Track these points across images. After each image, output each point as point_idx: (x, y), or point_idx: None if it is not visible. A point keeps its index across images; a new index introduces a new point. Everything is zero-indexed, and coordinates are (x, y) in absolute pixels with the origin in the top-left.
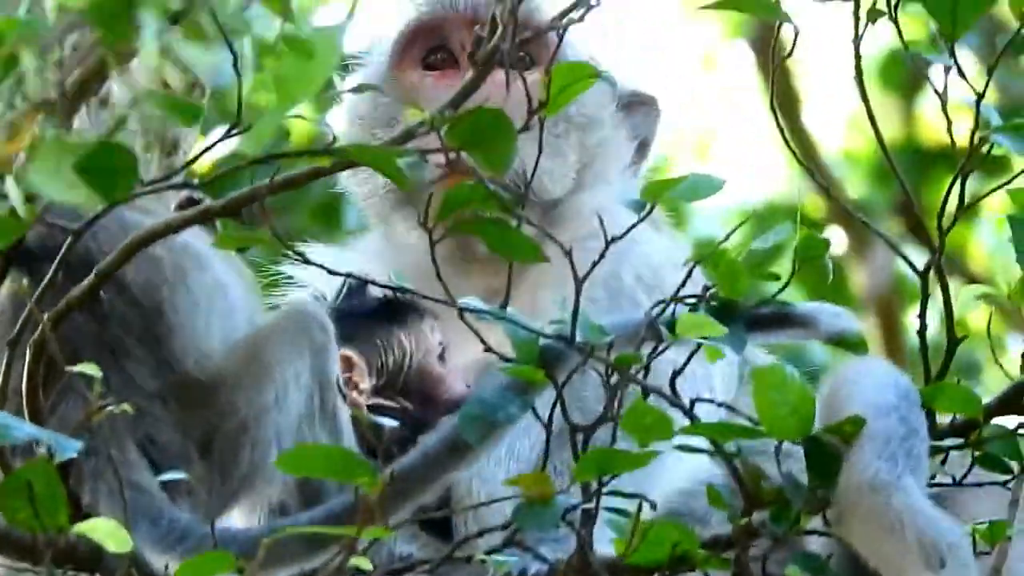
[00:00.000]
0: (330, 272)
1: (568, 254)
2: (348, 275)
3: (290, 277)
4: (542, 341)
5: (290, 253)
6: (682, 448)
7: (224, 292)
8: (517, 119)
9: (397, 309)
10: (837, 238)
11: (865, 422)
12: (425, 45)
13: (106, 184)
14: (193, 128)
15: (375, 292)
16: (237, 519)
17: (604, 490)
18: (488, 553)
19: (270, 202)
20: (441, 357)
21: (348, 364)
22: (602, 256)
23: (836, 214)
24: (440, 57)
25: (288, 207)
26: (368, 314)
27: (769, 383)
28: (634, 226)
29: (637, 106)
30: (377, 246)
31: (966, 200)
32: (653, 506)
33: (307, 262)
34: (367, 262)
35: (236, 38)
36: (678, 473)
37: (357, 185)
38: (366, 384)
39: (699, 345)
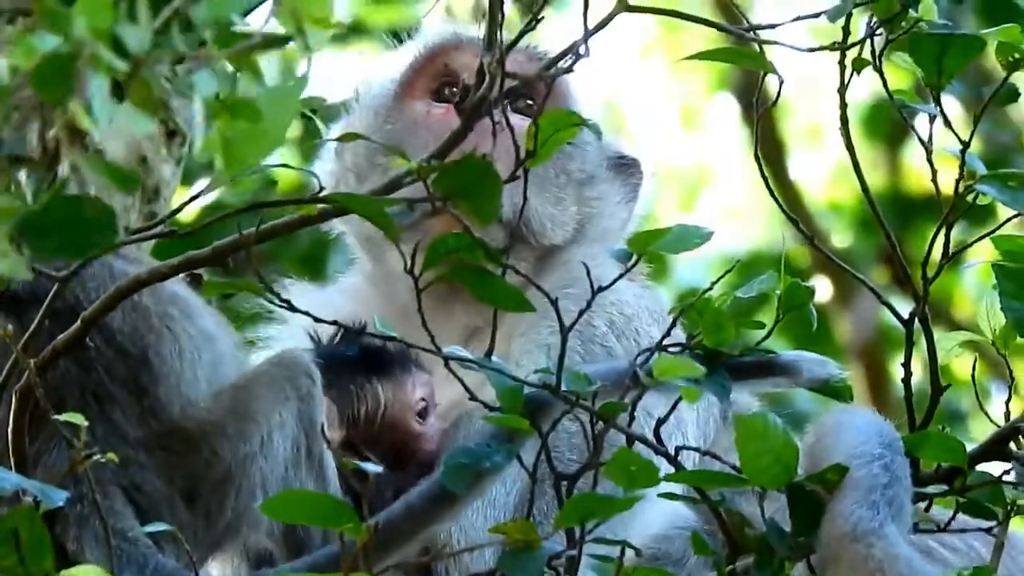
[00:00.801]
0: (315, 319)
1: (554, 303)
2: (334, 323)
3: (271, 312)
4: (526, 390)
5: (276, 301)
6: (667, 496)
7: (210, 341)
8: (511, 166)
9: (382, 359)
10: (822, 287)
11: (847, 470)
12: (435, 76)
13: (82, 239)
14: (174, 176)
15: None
16: (217, 570)
17: (588, 537)
18: None
19: (256, 249)
20: (421, 415)
21: None
22: (588, 305)
23: (821, 263)
24: (452, 91)
25: (274, 254)
26: (349, 361)
27: (752, 431)
28: (621, 276)
29: (622, 167)
30: (361, 286)
31: (951, 248)
32: (638, 552)
33: (293, 310)
34: (351, 302)
35: (184, 99)
36: (654, 518)
37: (347, 220)
38: (335, 435)
39: (680, 397)
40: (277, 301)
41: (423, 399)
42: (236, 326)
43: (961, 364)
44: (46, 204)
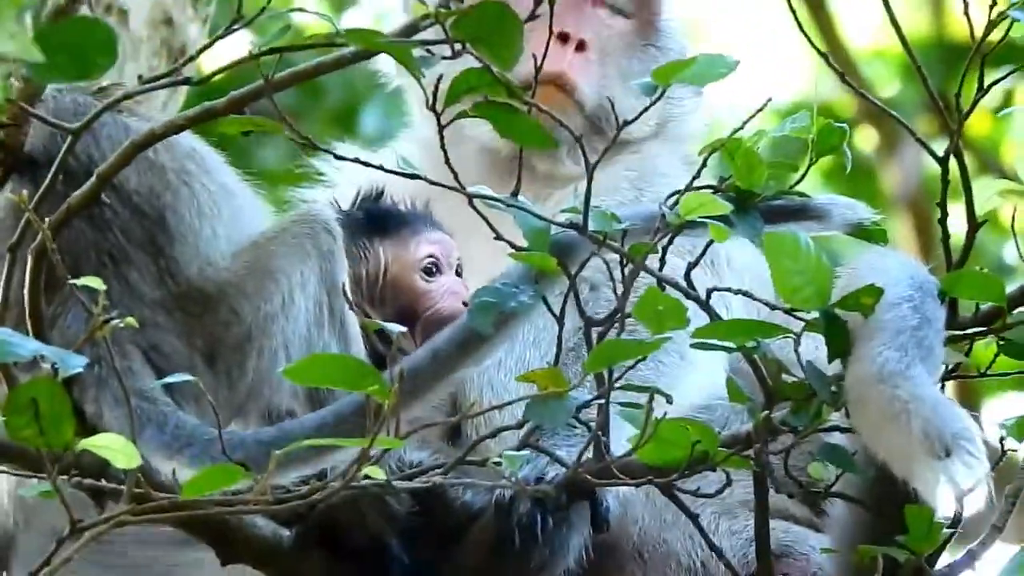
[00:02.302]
0: (364, 164)
1: (579, 140)
2: (380, 167)
3: (321, 174)
4: (554, 231)
5: (319, 148)
6: (700, 346)
7: (230, 196)
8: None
9: (386, 219)
10: (867, 137)
11: (882, 292)
12: None
13: (84, 60)
14: (200, 36)
15: (386, 203)
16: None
17: (617, 384)
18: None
19: (285, 107)
20: (427, 271)
21: None
22: (617, 135)
23: (866, 112)
24: None
25: (303, 113)
26: (355, 224)
27: (783, 251)
28: (647, 109)
29: None
30: (413, 153)
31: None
32: (668, 399)
33: (339, 158)
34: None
35: None
36: (695, 389)
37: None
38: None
39: (711, 241)
40: (321, 150)
41: (430, 256)
42: (269, 187)
43: (1009, 214)
44: (48, 25)
